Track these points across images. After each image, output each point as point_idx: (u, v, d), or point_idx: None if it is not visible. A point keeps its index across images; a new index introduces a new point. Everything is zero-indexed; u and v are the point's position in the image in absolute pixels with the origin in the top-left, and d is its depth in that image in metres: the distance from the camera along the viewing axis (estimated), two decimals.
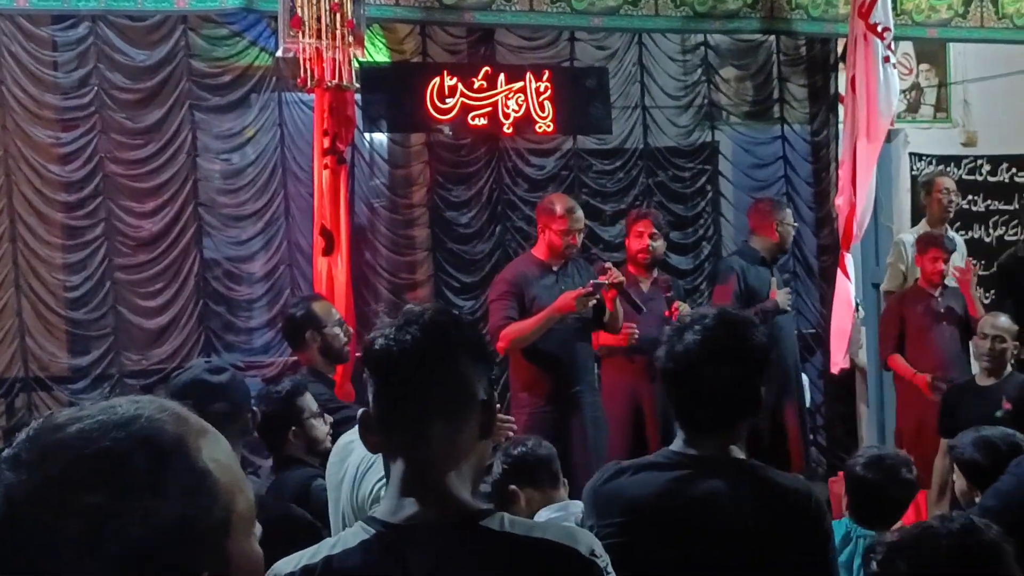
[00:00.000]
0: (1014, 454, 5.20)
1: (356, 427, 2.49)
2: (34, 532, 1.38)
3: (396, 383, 2.39)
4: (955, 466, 5.51)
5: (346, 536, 2.40)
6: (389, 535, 2.34)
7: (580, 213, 8.03)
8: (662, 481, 3.25)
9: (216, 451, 1.50)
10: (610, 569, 2.36)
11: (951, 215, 10.20)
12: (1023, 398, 7.48)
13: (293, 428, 5.53)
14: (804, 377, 9.13)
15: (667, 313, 8.25)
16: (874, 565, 2.98)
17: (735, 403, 3.32)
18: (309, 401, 5.62)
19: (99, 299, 8.63)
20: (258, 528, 1.54)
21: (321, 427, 5.60)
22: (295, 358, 6.96)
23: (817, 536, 3.25)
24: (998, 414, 6.58)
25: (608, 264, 8.08)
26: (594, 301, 7.56)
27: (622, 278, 7.77)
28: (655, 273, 8.61)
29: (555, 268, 7.89)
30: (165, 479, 1.42)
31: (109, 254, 8.64)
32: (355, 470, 4.38)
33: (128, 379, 8.67)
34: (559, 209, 7.92)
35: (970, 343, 8.34)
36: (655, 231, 8.56)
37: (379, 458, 4.62)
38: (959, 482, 5.41)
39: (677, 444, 3.35)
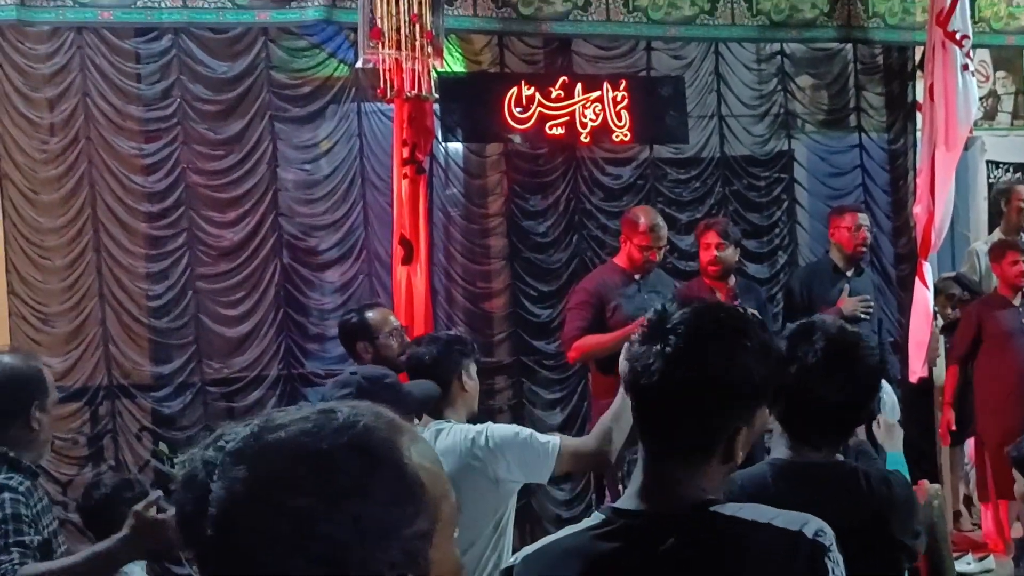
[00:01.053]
0: None
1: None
2: (248, 528, 1.44)
3: (657, 411, 2.48)
4: (1013, 468, 5.44)
5: (583, 522, 2.52)
6: (621, 520, 2.45)
7: (663, 231, 8.09)
8: (769, 492, 3.27)
9: (426, 459, 1.55)
10: (835, 548, 2.42)
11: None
12: None
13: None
14: (887, 386, 9.06)
15: None
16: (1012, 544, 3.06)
17: (843, 419, 3.42)
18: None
19: (181, 308, 8.74)
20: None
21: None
22: None
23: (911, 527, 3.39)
24: None
25: None
26: None
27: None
28: (731, 282, 8.59)
29: (637, 277, 7.92)
30: (375, 486, 1.47)
31: (191, 263, 8.74)
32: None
33: (210, 387, 8.77)
34: (642, 224, 7.97)
35: None
36: (722, 241, 8.55)
37: None
38: (1018, 485, 5.36)
39: (781, 451, 3.41)
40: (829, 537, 2.41)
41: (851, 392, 3.34)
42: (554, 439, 4.78)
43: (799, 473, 3.33)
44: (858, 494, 3.32)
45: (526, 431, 4.79)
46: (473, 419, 4.98)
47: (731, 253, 8.64)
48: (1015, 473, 5.40)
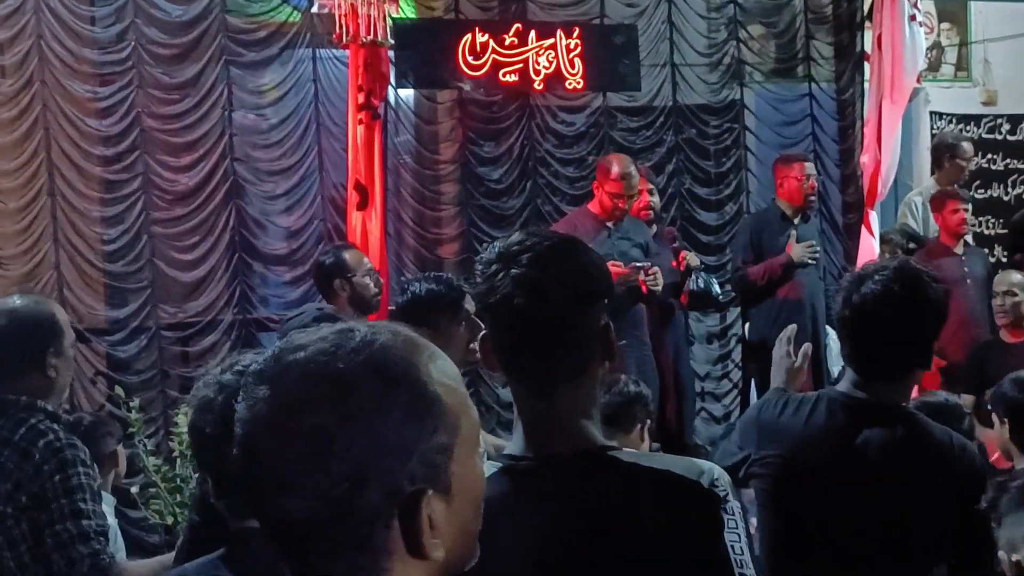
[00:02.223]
0: None
1: None
2: (270, 446, 1.48)
3: (529, 340, 2.38)
4: (995, 418, 5.50)
5: None
6: (517, 467, 2.39)
7: (635, 179, 8.06)
8: (828, 422, 3.34)
9: (445, 375, 1.57)
10: (730, 498, 2.39)
11: (964, 180, 10.23)
12: None
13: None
14: (832, 332, 9.15)
15: (674, 263, 8.30)
16: (1016, 485, 3.09)
17: (909, 354, 3.41)
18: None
19: (136, 252, 8.72)
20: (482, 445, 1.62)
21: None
22: None
23: (968, 489, 3.28)
24: None
25: (651, 267, 8.03)
26: (632, 282, 7.58)
27: (658, 287, 7.84)
28: (654, 228, 8.59)
29: (609, 224, 7.93)
30: (392, 402, 1.50)
31: (146, 208, 8.71)
32: None
33: (164, 331, 8.76)
34: (614, 172, 7.97)
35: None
36: (652, 187, 8.60)
37: None
38: (999, 428, 5.41)
39: (845, 386, 3.43)
40: (725, 486, 2.39)
41: (914, 321, 3.35)
42: None
43: (857, 410, 3.35)
44: (910, 437, 3.34)
45: None
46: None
47: (657, 200, 8.71)
48: (994, 419, 5.45)
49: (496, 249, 2.40)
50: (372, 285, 6.59)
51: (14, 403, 4.00)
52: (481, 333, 2.45)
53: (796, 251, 8.66)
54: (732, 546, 2.37)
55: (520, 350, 2.40)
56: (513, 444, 2.45)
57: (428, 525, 1.52)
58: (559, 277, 2.35)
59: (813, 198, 9.06)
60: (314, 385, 1.48)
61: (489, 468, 2.39)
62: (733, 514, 2.39)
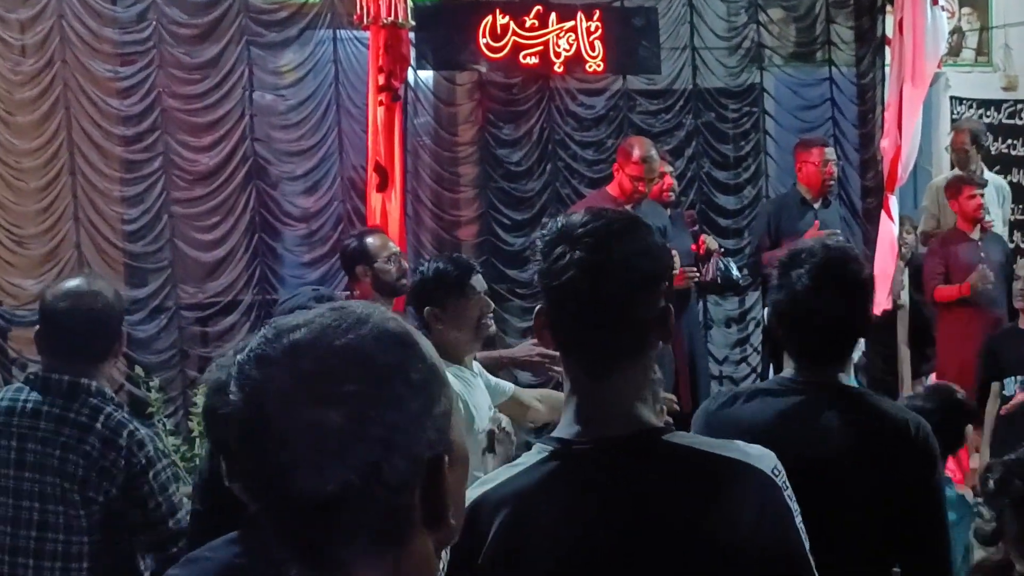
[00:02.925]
0: None
1: None
2: (293, 425, 1.45)
3: (589, 320, 2.36)
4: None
5: (525, 457, 2.42)
6: (568, 452, 2.36)
7: (656, 163, 8.10)
8: (778, 407, 3.33)
9: (430, 348, 1.59)
10: (789, 489, 2.35)
11: (969, 164, 10.21)
12: None
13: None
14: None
15: (693, 247, 8.32)
16: (991, 483, 3.05)
17: (843, 333, 3.42)
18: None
19: (156, 232, 8.76)
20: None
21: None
22: (348, 292, 6.96)
23: (922, 465, 3.29)
24: None
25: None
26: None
27: (693, 281, 7.91)
28: (670, 211, 8.60)
29: (629, 207, 7.93)
30: (409, 369, 1.51)
31: (166, 188, 8.75)
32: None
33: (184, 311, 8.80)
34: (636, 155, 7.99)
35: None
36: (672, 169, 8.64)
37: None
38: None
39: (788, 372, 3.44)
40: (782, 473, 2.35)
41: (844, 306, 3.35)
42: (509, 384, 5.16)
43: (800, 390, 3.35)
44: (854, 415, 3.34)
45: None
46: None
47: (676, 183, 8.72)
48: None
49: (558, 227, 2.38)
50: (393, 270, 6.58)
51: (85, 388, 3.93)
52: (537, 308, 2.41)
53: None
54: (801, 529, 2.36)
55: (579, 329, 2.37)
56: (564, 425, 2.41)
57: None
58: (622, 259, 2.32)
59: (831, 183, 9.08)
60: (336, 356, 1.48)
61: (539, 451, 2.39)
62: (794, 500, 2.36)
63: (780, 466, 2.37)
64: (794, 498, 2.36)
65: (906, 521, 3.25)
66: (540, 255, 2.38)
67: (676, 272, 7.66)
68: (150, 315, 8.71)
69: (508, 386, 5.19)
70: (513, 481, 2.37)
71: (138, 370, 8.12)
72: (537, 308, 2.42)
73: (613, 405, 2.36)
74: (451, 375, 4.89)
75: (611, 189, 8.17)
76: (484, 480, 2.43)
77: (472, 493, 2.35)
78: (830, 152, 9.13)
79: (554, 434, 2.42)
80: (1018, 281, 8.03)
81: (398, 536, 1.51)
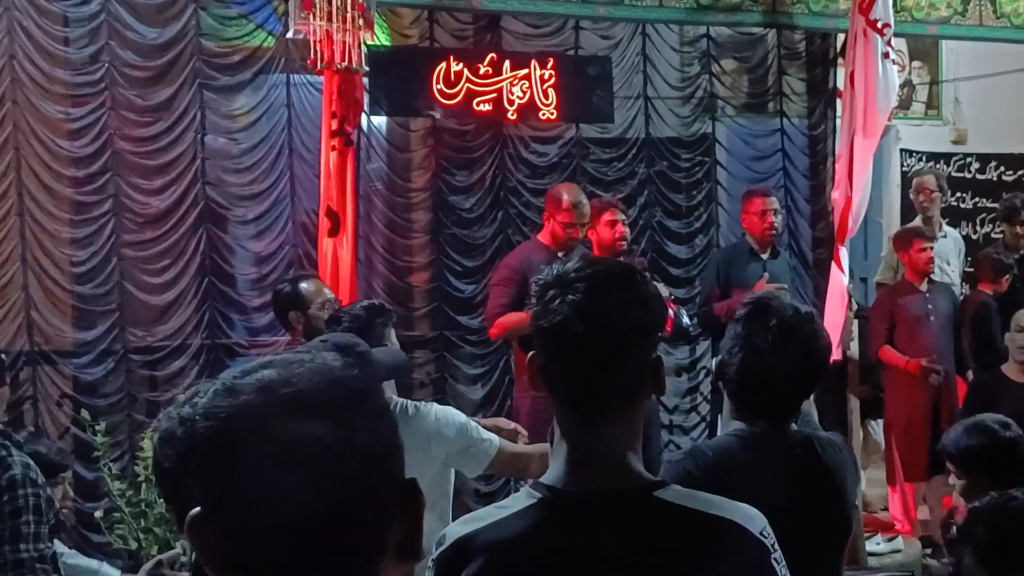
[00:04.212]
0: (1007, 429, 5.09)
1: None
2: (275, 444, 1.43)
3: (582, 367, 2.36)
4: (949, 466, 5.30)
5: (513, 500, 2.41)
6: (558, 501, 2.35)
7: (586, 208, 8.10)
8: (745, 459, 3.36)
9: None
10: (777, 547, 2.36)
11: (931, 215, 10.30)
12: None
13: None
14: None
15: None
16: (953, 530, 3.06)
17: (801, 391, 3.46)
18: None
19: (105, 274, 8.68)
20: None
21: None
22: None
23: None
24: None
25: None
26: None
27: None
28: (622, 259, 8.58)
29: (560, 254, 7.93)
30: (375, 391, 1.54)
31: (116, 230, 8.68)
32: None
33: (132, 355, 8.72)
34: (565, 202, 8.00)
35: (1005, 337, 8.44)
36: (625, 217, 8.61)
37: None
38: (957, 483, 5.24)
39: (736, 425, 3.45)
40: (771, 534, 2.37)
41: (802, 375, 3.38)
42: (494, 438, 4.91)
43: (762, 442, 3.37)
44: (819, 461, 3.38)
45: (470, 423, 4.90)
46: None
47: (629, 230, 8.72)
48: (949, 466, 5.27)
49: (553, 273, 2.39)
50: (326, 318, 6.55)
51: None
52: (530, 354, 2.42)
53: (765, 290, 8.65)
54: None
55: (571, 376, 2.38)
56: (553, 473, 2.40)
57: None
58: (616, 305, 2.34)
59: (772, 233, 9.02)
60: (308, 382, 1.47)
61: (528, 496, 2.39)
62: (782, 563, 2.37)
63: (769, 528, 2.37)
64: (782, 560, 2.37)
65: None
66: (534, 298, 2.40)
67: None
68: (98, 358, 8.63)
69: (487, 443, 4.98)
70: (500, 525, 2.35)
71: (84, 413, 8.06)
72: (530, 354, 2.43)
73: (604, 455, 2.36)
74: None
75: (542, 237, 8.18)
76: (469, 518, 2.42)
77: (458, 530, 2.37)
78: (771, 202, 9.06)
79: (544, 480, 2.40)
80: (1021, 333, 8.06)
81: (371, 564, 1.49)
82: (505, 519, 2.36)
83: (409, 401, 4.91)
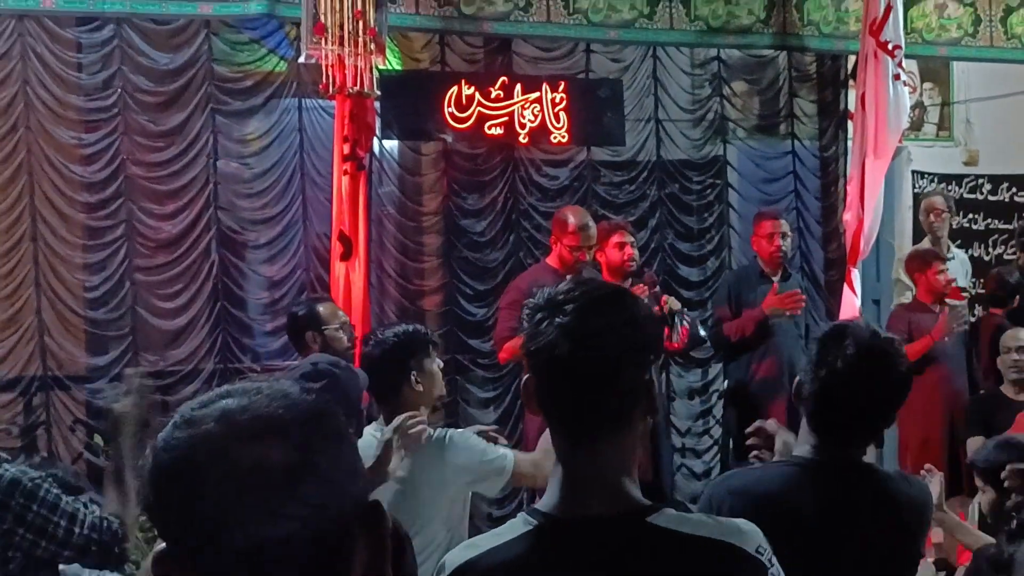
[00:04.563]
0: None
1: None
2: (233, 470, 1.43)
3: (572, 390, 2.36)
4: (978, 480, 5.54)
5: (509, 527, 2.41)
6: (553, 528, 2.35)
7: (593, 231, 8.11)
8: (791, 485, 3.32)
9: None
10: (774, 561, 2.36)
11: (940, 235, 10.29)
12: None
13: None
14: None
15: (656, 309, 8.26)
16: (1014, 523, 3.11)
17: (875, 424, 3.42)
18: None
19: (118, 299, 8.70)
20: None
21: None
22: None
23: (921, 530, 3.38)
24: None
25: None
26: None
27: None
28: (629, 282, 8.54)
29: (568, 277, 7.93)
30: (334, 413, 1.54)
31: (129, 255, 8.70)
32: None
33: (145, 380, 8.69)
34: (572, 225, 8.02)
35: (998, 362, 8.43)
36: (634, 239, 8.59)
37: None
38: (985, 495, 5.45)
39: (804, 449, 3.40)
40: (768, 551, 2.36)
41: (879, 397, 3.34)
42: (508, 455, 4.86)
43: (827, 471, 3.33)
44: (886, 495, 3.35)
45: (483, 444, 4.87)
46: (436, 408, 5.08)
47: (636, 254, 8.70)
48: (978, 482, 5.49)
49: (544, 296, 2.39)
50: (344, 339, 6.58)
51: None
52: (525, 377, 2.42)
53: (771, 305, 8.63)
54: None
55: (562, 399, 2.38)
56: (548, 498, 2.41)
57: None
58: (605, 328, 2.33)
59: (780, 256, 8.98)
60: (265, 408, 1.47)
61: (524, 523, 2.39)
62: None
63: (765, 544, 2.37)
64: (780, 572, 2.37)
65: None
66: (525, 322, 2.40)
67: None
68: (110, 383, 8.62)
69: (502, 463, 4.92)
70: (497, 552, 2.36)
71: (97, 438, 8.06)
72: (525, 378, 2.42)
73: (598, 479, 2.36)
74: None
75: (551, 261, 8.20)
76: (467, 545, 2.44)
77: (457, 558, 2.38)
78: (779, 225, 8.97)
79: (539, 506, 2.41)
80: (1010, 352, 8.07)
81: None
82: (501, 546, 2.36)
83: (436, 430, 4.88)
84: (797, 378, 3.45)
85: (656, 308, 8.23)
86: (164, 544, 1.46)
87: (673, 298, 8.52)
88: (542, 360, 2.36)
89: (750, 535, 2.37)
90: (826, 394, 3.32)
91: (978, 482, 5.45)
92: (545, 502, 2.41)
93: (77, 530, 3.94)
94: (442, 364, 5.16)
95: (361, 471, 1.55)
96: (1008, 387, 8.13)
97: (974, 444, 7.58)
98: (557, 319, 2.33)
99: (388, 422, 4.86)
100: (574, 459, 2.38)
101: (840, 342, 3.33)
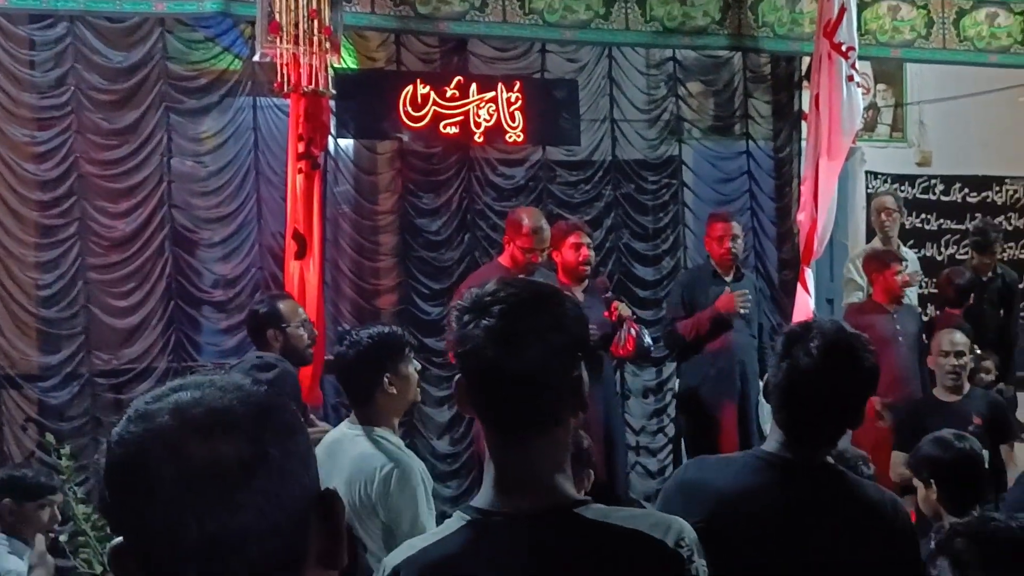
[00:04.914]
0: (963, 442, 5.35)
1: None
2: (186, 466, 1.43)
3: (500, 391, 2.39)
4: (914, 477, 5.56)
5: (445, 525, 2.45)
6: (486, 523, 2.39)
7: (546, 233, 8.14)
8: (756, 481, 3.30)
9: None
10: (695, 557, 2.39)
11: (892, 234, 10.35)
12: (993, 413, 7.66)
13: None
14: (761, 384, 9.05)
15: (606, 314, 8.27)
16: (932, 544, 3.11)
17: (842, 420, 3.39)
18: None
19: (71, 298, 8.66)
20: None
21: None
22: None
23: (904, 550, 3.30)
24: (970, 429, 6.70)
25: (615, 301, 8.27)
26: None
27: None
28: (586, 282, 8.57)
29: (498, 278, 7.89)
30: (285, 407, 1.55)
31: (82, 253, 8.67)
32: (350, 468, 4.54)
33: (98, 378, 8.69)
34: (526, 227, 8.04)
35: (928, 362, 8.39)
36: (590, 240, 8.60)
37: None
38: (920, 491, 5.48)
39: (773, 445, 3.39)
40: (690, 544, 2.39)
41: (846, 392, 3.32)
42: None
43: (793, 469, 3.32)
44: (854, 499, 3.32)
45: (425, 506, 4.72)
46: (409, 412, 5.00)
47: (593, 253, 8.71)
48: (915, 482, 5.52)
49: (470, 297, 2.41)
50: (306, 336, 6.57)
51: None
52: (456, 378, 2.45)
53: (723, 304, 8.66)
54: None
55: (491, 400, 2.41)
56: (482, 495, 2.44)
57: None
58: (530, 329, 2.36)
59: (728, 257, 9.01)
60: (218, 403, 1.48)
61: (459, 519, 2.43)
62: (703, 570, 2.40)
63: (690, 536, 2.41)
64: (703, 566, 2.40)
65: None
66: (454, 324, 2.42)
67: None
68: (63, 382, 8.60)
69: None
70: (433, 548, 2.41)
71: (49, 437, 8.03)
72: (457, 378, 2.45)
73: (529, 476, 2.39)
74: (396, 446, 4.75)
75: (503, 260, 8.22)
76: (406, 546, 2.48)
77: (395, 558, 2.44)
78: (729, 227, 8.99)
79: (473, 502, 2.45)
80: (948, 356, 7.98)
81: (295, 574, 1.50)
82: (437, 543, 2.42)
83: (395, 470, 4.70)
84: (766, 376, 3.46)
85: (605, 313, 8.26)
86: (121, 538, 1.46)
87: (624, 304, 8.53)
88: (470, 362, 2.39)
89: (674, 529, 2.40)
90: (792, 390, 3.32)
91: (914, 480, 5.49)
92: (479, 499, 2.45)
93: None
94: (419, 367, 5.09)
95: (313, 461, 1.55)
96: (940, 390, 8.07)
97: (897, 459, 7.62)
98: (483, 321, 2.35)
99: (361, 423, 4.84)
100: (505, 457, 2.42)
101: (805, 337, 3.33)
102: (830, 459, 3.44)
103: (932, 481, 5.33)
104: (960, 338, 8.09)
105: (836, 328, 3.38)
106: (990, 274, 10.35)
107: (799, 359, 3.30)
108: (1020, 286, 10.78)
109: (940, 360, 8.00)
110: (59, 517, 5.99)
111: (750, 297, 8.78)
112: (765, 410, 8.94)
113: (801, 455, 3.33)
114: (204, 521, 1.41)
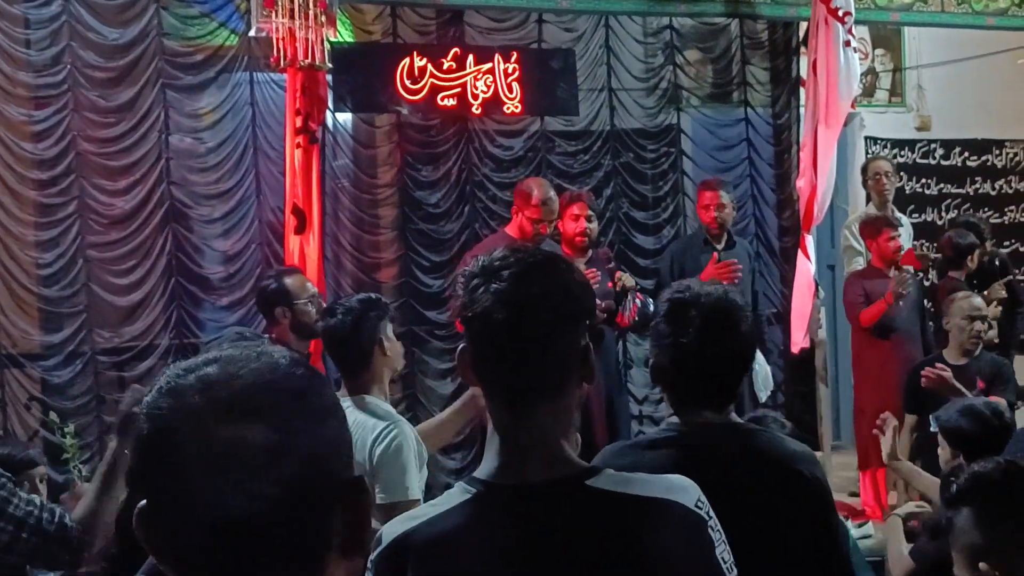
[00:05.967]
0: (999, 419, 5.41)
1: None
2: (212, 446, 1.43)
3: (508, 357, 2.36)
4: (940, 436, 5.66)
5: (447, 496, 2.41)
6: (492, 495, 2.36)
7: (555, 204, 8.15)
8: (678, 451, 3.28)
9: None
10: (712, 514, 2.37)
11: (889, 197, 10.35)
12: (996, 376, 7.69)
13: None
14: (760, 357, 9.08)
15: (610, 284, 8.29)
16: (954, 488, 3.17)
17: (733, 376, 3.39)
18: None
19: (71, 277, 8.65)
20: None
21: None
22: (268, 335, 6.87)
23: (816, 504, 3.30)
24: (974, 393, 6.74)
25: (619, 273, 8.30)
26: None
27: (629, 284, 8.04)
28: (589, 253, 8.59)
29: (504, 246, 7.89)
30: (320, 389, 1.54)
31: (82, 232, 8.65)
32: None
33: (100, 356, 8.69)
34: (535, 197, 8.04)
35: (944, 324, 8.38)
36: (591, 213, 8.59)
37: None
38: (943, 452, 5.58)
39: (670, 423, 3.40)
40: (706, 504, 2.37)
41: (728, 359, 3.34)
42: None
43: (699, 433, 3.30)
44: (759, 449, 3.31)
45: (412, 471, 4.76)
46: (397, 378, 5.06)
47: (595, 225, 8.71)
48: (940, 440, 5.62)
49: (480, 263, 2.40)
50: (314, 311, 6.54)
51: None
52: (460, 347, 2.42)
53: (709, 276, 8.65)
54: (723, 559, 2.36)
55: (498, 366, 2.38)
56: (486, 466, 2.41)
57: None
58: (540, 294, 2.34)
59: (715, 225, 9.05)
60: (248, 381, 1.48)
61: (463, 492, 2.39)
62: (719, 530, 2.38)
63: (704, 498, 2.38)
64: (718, 526, 2.37)
65: (807, 560, 3.24)
66: (460, 289, 2.40)
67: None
68: (65, 360, 8.61)
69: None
70: (437, 521, 2.36)
71: (53, 416, 8.03)
72: (460, 347, 2.42)
73: (535, 446, 2.36)
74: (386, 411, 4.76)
75: (510, 230, 8.22)
76: (405, 517, 2.42)
77: (395, 529, 2.37)
78: (717, 196, 9.08)
79: (477, 474, 2.41)
80: (973, 323, 7.98)
81: (316, 562, 1.49)
82: (440, 515, 2.36)
83: (391, 435, 4.75)
84: (650, 360, 3.45)
85: (609, 284, 8.27)
86: (146, 502, 1.47)
87: (627, 275, 8.55)
88: (478, 327, 2.36)
89: (690, 490, 2.38)
90: (682, 363, 3.31)
91: (941, 439, 5.63)
92: (483, 470, 2.41)
93: (25, 535, 3.87)
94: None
95: (346, 446, 1.55)
96: (952, 352, 8.09)
97: (908, 422, 7.68)
98: (493, 285, 2.34)
99: (351, 394, 4.86)
100: (512, 426, 2.38)
101: (681, 313, 3.31)
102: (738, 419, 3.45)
103: (960, 453, 5.41)
104: (980, 302, 8.15)
105: (705, 295, 3.35)
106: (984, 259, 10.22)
107: (681, 336, 3.28)
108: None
109: (962, 323, 8.01)
110: (40, 490, 5.97)
111: (739, 266, 8.76)
112: (760, 377, 8.97)
113: (698, 421, 3.33)
114: (224, 504, 1.41)
